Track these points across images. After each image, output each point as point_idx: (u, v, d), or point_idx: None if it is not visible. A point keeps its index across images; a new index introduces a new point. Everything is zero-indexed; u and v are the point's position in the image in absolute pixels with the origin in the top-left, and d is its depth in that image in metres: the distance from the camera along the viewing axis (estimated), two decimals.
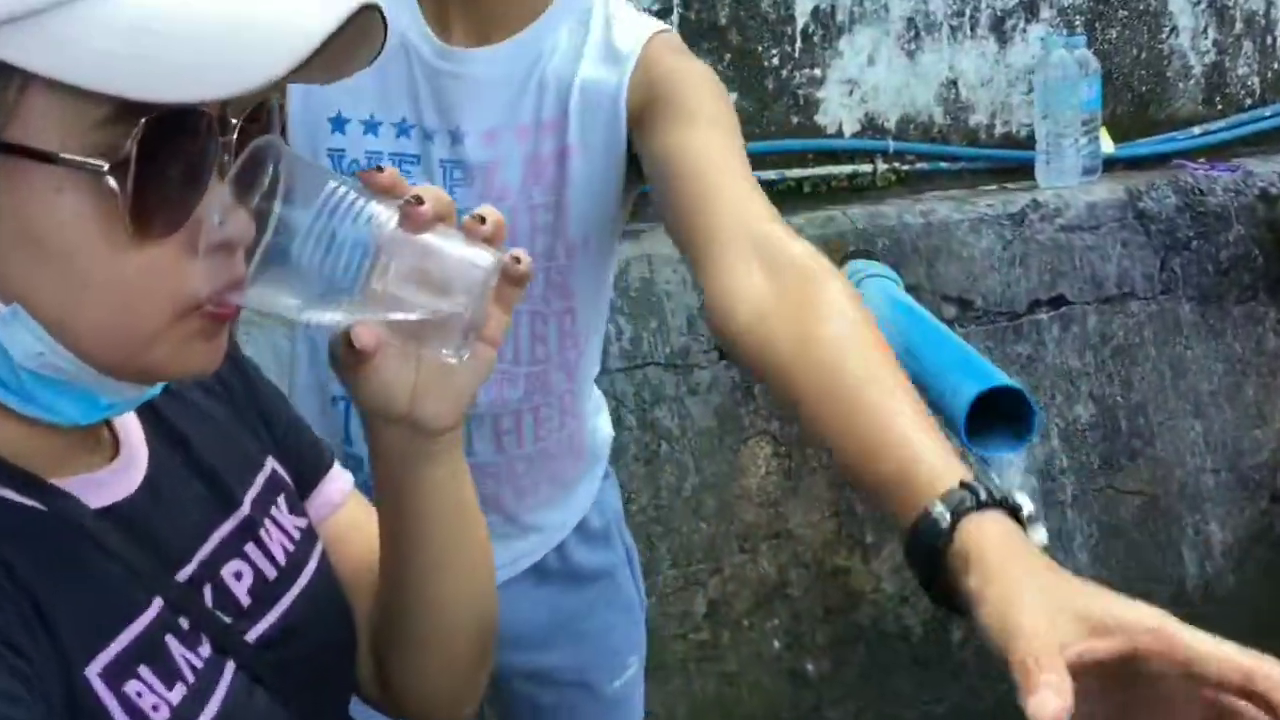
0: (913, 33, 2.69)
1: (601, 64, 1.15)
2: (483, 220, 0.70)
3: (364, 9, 0.59)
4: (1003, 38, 2.76)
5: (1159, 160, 2.86)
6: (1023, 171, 2.75)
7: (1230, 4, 2.92)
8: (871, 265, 2.31)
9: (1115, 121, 2.84)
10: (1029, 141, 2.75)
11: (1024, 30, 2.77)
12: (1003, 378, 1.71)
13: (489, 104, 1.14)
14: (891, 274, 2.31)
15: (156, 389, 0.68)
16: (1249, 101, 2.99)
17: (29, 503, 0.61)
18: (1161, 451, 2.58)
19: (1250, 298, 2.65)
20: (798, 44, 2.60)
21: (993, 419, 1.76)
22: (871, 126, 2.70)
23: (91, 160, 0.56)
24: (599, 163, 1.15)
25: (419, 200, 0.66)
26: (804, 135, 2.63)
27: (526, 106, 1.15)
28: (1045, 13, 2.78)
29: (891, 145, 2.70)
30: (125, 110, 0.56)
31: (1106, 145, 2.76)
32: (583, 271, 1.20)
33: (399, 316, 0.66)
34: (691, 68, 1.15)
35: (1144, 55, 2.89)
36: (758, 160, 2.57)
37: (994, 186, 2.72)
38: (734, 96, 2.54)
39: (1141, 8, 2.86)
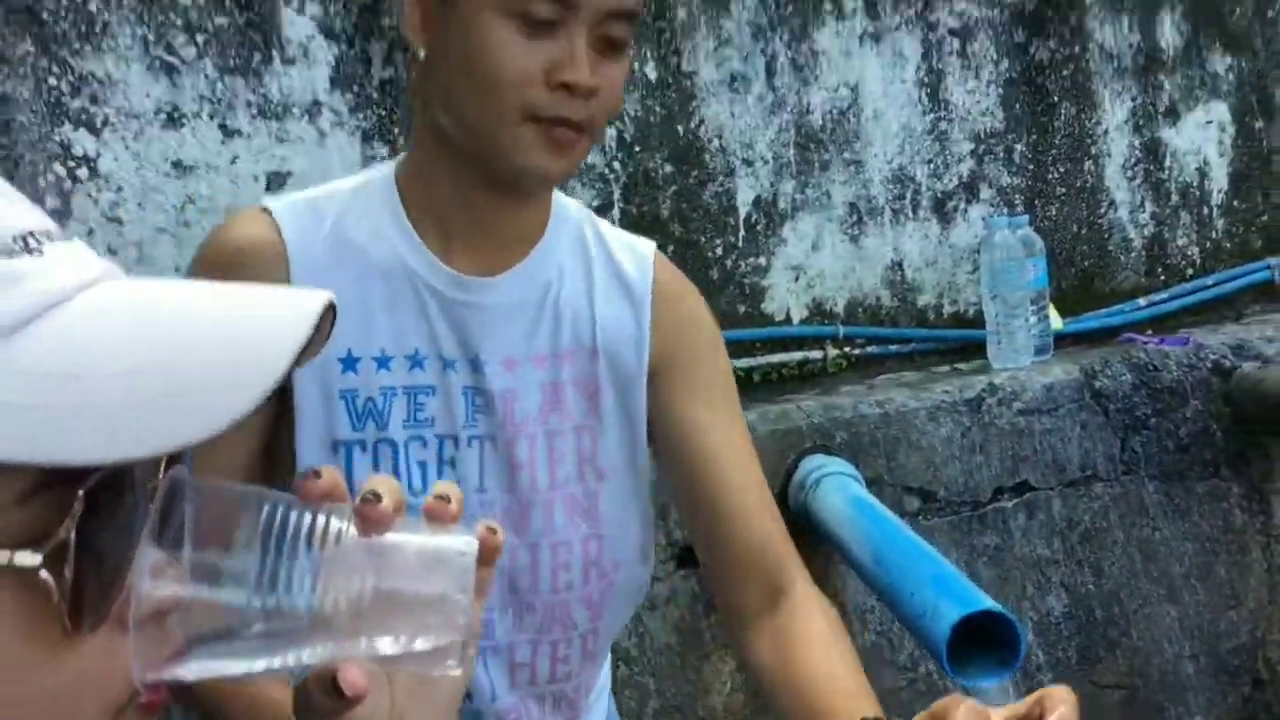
0: (855, 217, 2.67)
1: (617, 298, 1.17)
2: (447, 499, 0.60)
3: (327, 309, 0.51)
4: (945, 218, 2.76)
5: (1107, 333, 2.85)
6: (974, 349, 2.72)
7: (1165, 177, 2.96)
8: (830, 461, 2.22)
9: (1062, 297, 2.83)
10: (978, 319, 2.72)
11: (965, 211, 2.77)
12: (985, 600, 1.61)
13: (507, 332, 1.13)
14: (851, 470, 2.23)
15: None
16: (1190, 271, 3.01)
17: None
18: (1139, 640, 2.48)
19: (1212, 474, 2.60)
20: (741, 233, 2.56)
21: (973, 638, 1.65)
22: (819, 312, 2.66)
23: (19, 557, 0.45)
24: (626, 396, 1.17)
25: (376, 496, 0.56)
26: (752, 324, 2.58)
27: (543, 335, 1.15)
28: (985, 193, 2.79)
29: (841, 330, 2.65)
30: (46, 478, 0.45)
31: (1056, 321, 2.74)
32: (610, 498, 1.17)
33: (387, 647, 0.56)
34: (703, 316, 1.22)
35: (1085, 230, 2.90)
36: None
37: (946, 368, 2.67)
38: None
39: (1079, 184, 2.88)
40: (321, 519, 0.55)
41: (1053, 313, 2.73)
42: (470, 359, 1.12)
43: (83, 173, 2.01)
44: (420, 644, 0.56)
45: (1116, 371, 2.56)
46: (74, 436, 0.45)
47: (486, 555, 0.60)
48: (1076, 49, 2.84)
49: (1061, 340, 2.75)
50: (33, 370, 0.45)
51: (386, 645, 0.56)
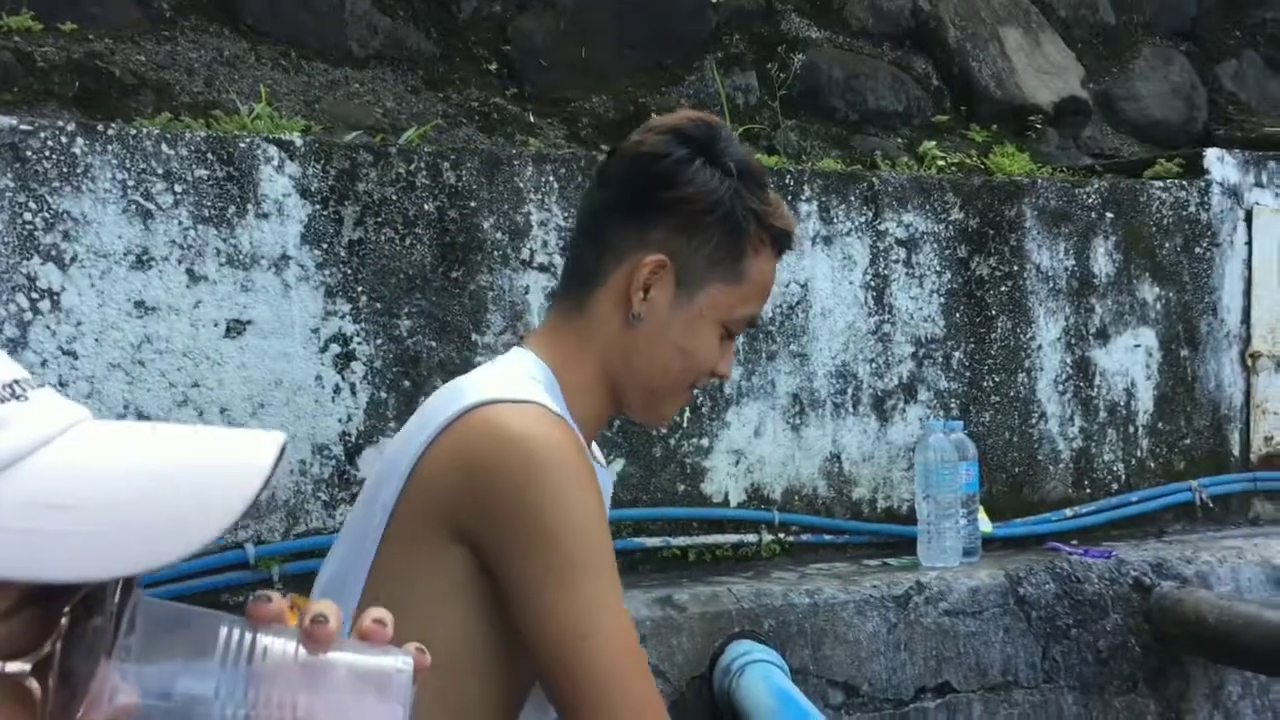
0: (798, 408, 2.75)
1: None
2: (381, 622, 0.65)
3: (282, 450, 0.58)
4: (884, 416, 2.85)
5: (1034, 540, 2.92)
6: (905, 545, 2.77)
7: (1094, 394, 3.08)
8: (757, 649, 2.23)
9: (991, 501, 2.91)
10: (910, 515, 2.78)
11: (904, 410, 2.87)
12: None
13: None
14: (777, 659, 2.24)
15: None
16: (1115, 486, 3.11)
17: None
18: None
19: (1130, 689, 2.63)
20: (686, 413, 2.63)
21: None
22: (757, 497, 2.71)
23: (11, 666, 0.51)
24: None
25: (323, 618, 0.61)
26: (690, 503, 2.62)
27: None
28: (923, 395, 2.89)
29: (777, 516, 2.70)
30: (31, 594, 0.51)
31: (985, 525, 2.81)
32: None
33: None
34: None
35: (1016, 439, 3.00)
36: (643, 526, 2.56)
37: (877, 562, 2.72)
38: (621, 463, 2.53)
39: (1012, 394, 2.99)
40: (265, 639, 0.60)
41: (982, 516, 2.80)
42: None
43: (44, 305, 2.05)
44: None
45: (1040, 580, 2.62)
46: (66, 558, 0.51)
47: (418, 674, 0.65)
48: (1015, 267, 3.00)
49: (989, 544, 2.81)
50: (27, 501, 0.51)
51: None
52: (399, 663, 0.63)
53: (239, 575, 2.16)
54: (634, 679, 1.11)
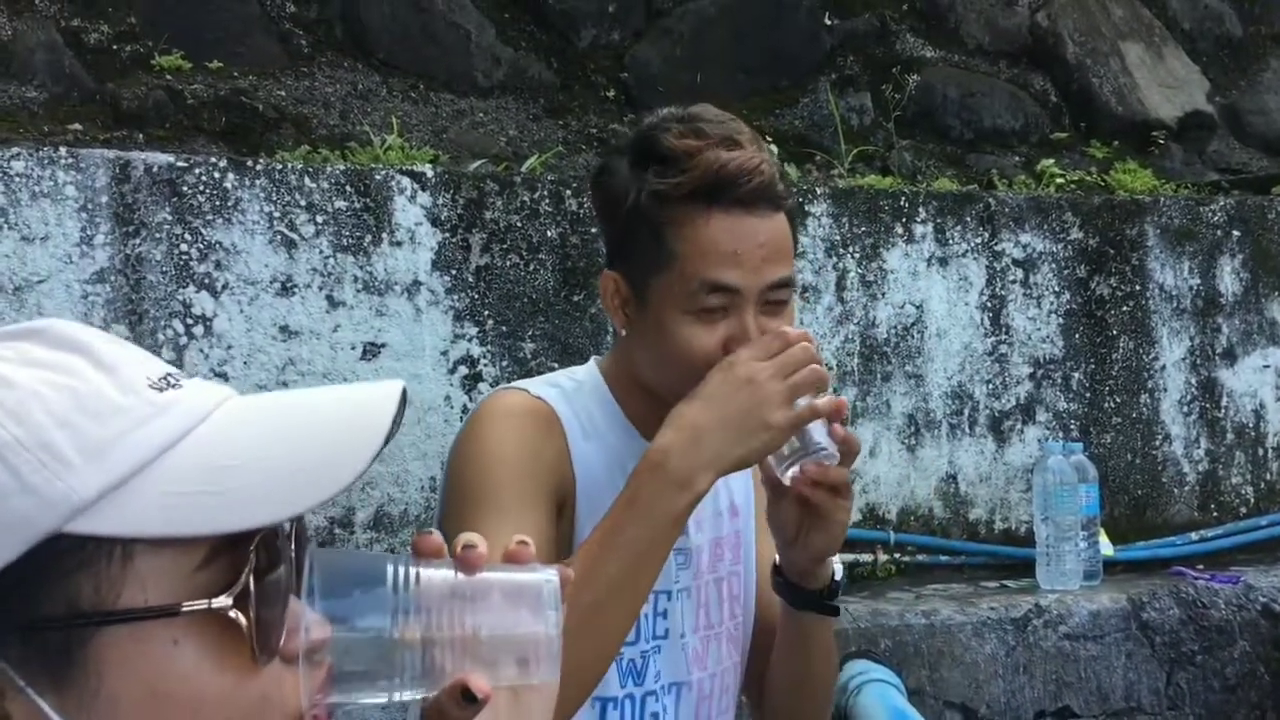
0: (913, 428, 2.76)
1: None
2: (525, 543, 0.74)
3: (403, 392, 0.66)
4: (1001, 437, 2.84)
5: (1157, 564, 2.87)
6: (1023, 568, 2.75)
7: (1221, 415, 3.02)
8: (874, 669, 2.25)
9: (1113, 523, 2.87)
10: (1028, 537, 2.77)
11: (1021, 431, 2.85)
12: None
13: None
14: (894, 679, 2.25)
15: None
16: (1243, 510, 3.04)
17: None
18: None
19: (1259, 717, 2.58)
20: None
21: None
22: (873, 517, 2.72)
23: (216, 601, 0.59)
24: (749, 542, 1.39)
25: (471, 545, 0.71)
26: None
27: (714, 494, 1.32)
28: (1041, 416, 2.87)
29: (893, 536, 2.72)
30: (219, 545, 0.59)
31: (1106, 548, 2.78)
32: (747, 635, 1.38)
33: (495, 667, 0.70)
34: None
35: (1138, 461, 2.96)
36: None
37: (995, 584, 2.71)
38: None
39: (1134, 415, 2.95)
40: (428, 570, 0.70)
41: (1104, 538, 2.77)
42: None
43: (198, 330, 2.19)
44: (518, 662, 0.71)
45: (1165, 605, 2.58)
46: (237, 510, 0.59)
47: (565, 588, 0.73)
48: (1137, 287, 2.96)
49: (1111, 567, 2.78)
50: (199, 466, 0.60)
51: (494, 666, 0.70)
52: (546, 575, 0.73)
53: None
54: None
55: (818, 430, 1.15)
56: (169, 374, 0.64)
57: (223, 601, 0.59)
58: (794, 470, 1.17)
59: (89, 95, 2.73)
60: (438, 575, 0.70)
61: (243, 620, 0.59)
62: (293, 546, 0.65)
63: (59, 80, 2.70)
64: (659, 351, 1.23)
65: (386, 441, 0.64)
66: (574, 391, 1.30)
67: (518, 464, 1.21)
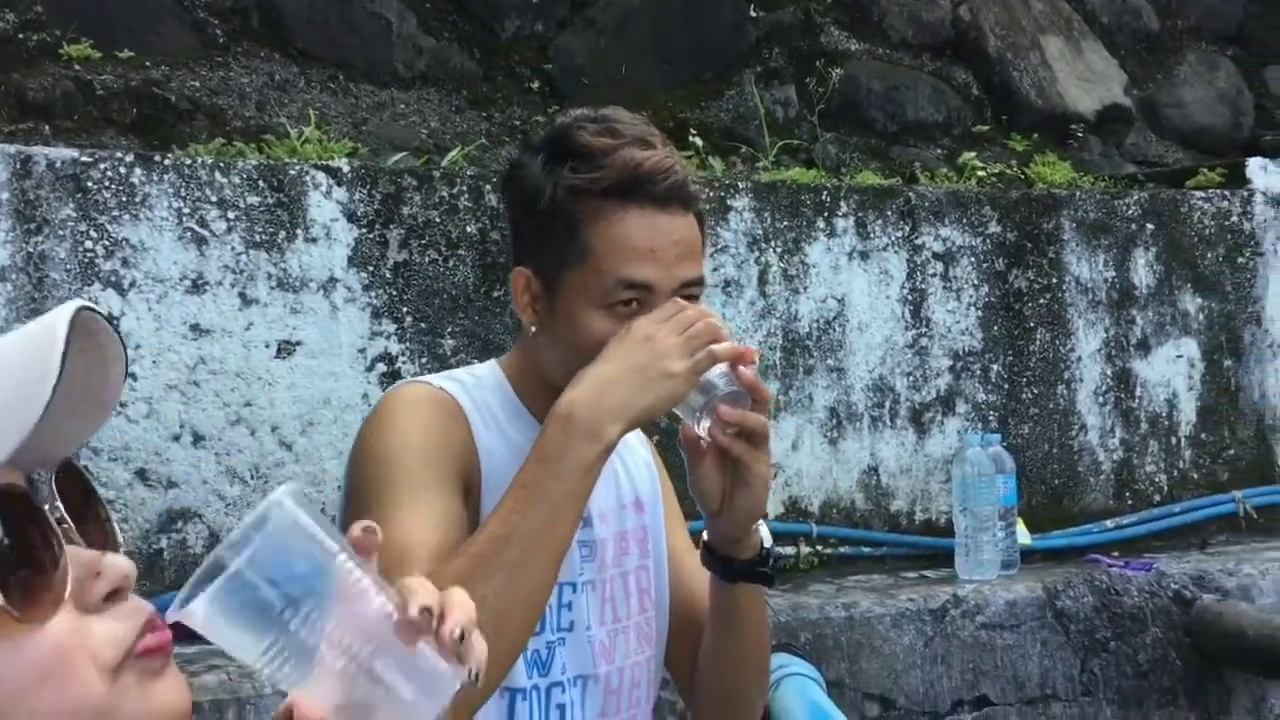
0: (835, 421, 2.78)
1: (635, 447, 1.41)
2: (371, 530, 0.72)
3: (80, 312, 0.62)
4: (921, 429, 2.87)
5: (1074, 551, 2.92)
6: (943, 557, 2.79)
7: (1135, 406, 3.08)
8: (794, 662, 2.26)
9: (1031, 513, 2.92)
10: (948, 528, 2.80)
11: (941, 423, 2.89)
12: None
13: (605, 487, 1.31)
14: (814, 673, 2.27)
15: None
16: (1157, 498, 3.10)
17: None
18: None
19: (1170, 702, 2.64)
20: None
21: None
22: (795, 510, 2.74)
23: None
24: (658, 535, 1.39)
25: (370, 530, 0.71)
26: None
27: (617, 489, 1.35)
28: (961, 407, 2.91)
29: (815, 529, 2.73)
30: None
31: (1024, 537, 2.82)
32: (660, 630, 1.38)
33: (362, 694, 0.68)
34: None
35: (1055, 450, 3.00)
36: None
37: (915, 574, 2.74)
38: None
39: (1051, 406, 3.00)
40: (366, 579, 0.68)
41: (1021, 528, 2.82)
42: (583, 515, 1.27)
43: None
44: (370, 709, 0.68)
45: (1079, 593, 2.63)
46: None
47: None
48: (1054, 280, 3.00)
49: (1030, 556, 2.82)
50: None
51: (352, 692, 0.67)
52: (457, 675, 0.70)
53: None
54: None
55: (721, 378, 1.18)
56: None
57: None
58: (708, 422, 1.18)
59: None
60: (370, 596, 0.69)
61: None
62: (54, 495, 0.63)
63: None
64: (569, 345, 1.23)
65: (63, 367, 0.60)
66: (474, 386, 1.30)
67: (425, 449, 1.21)
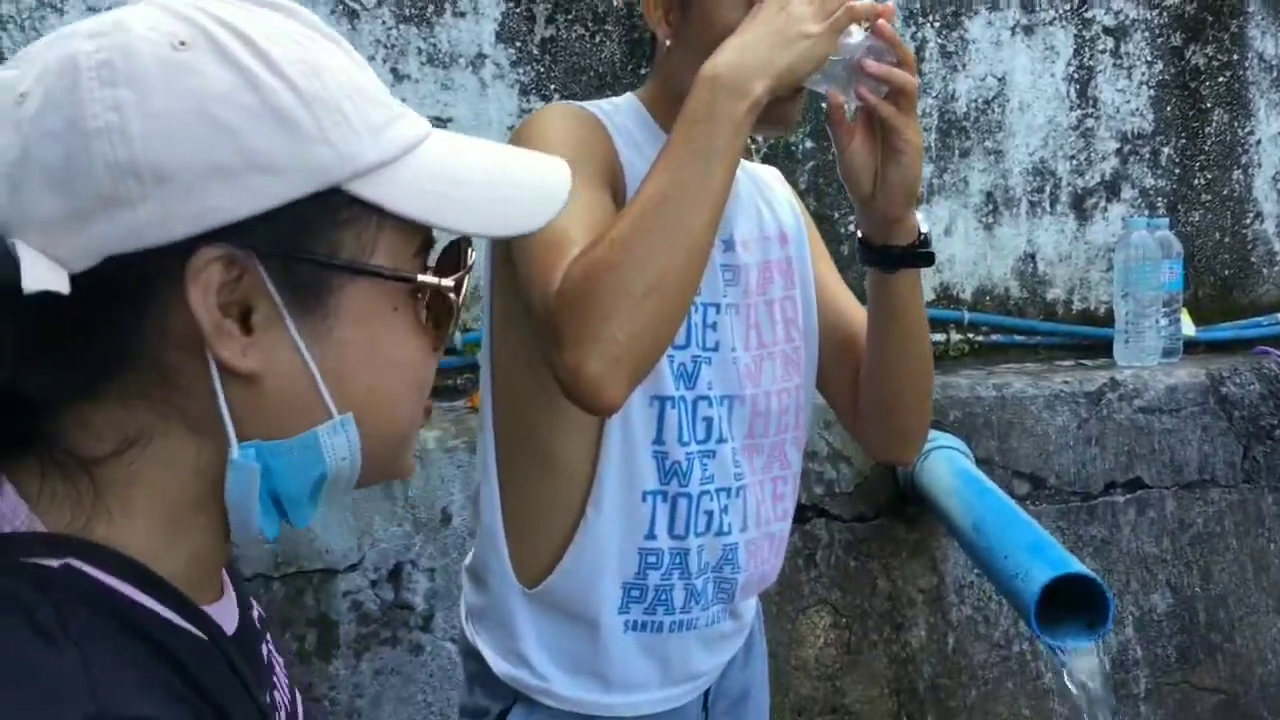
0: (991, 206, 2.70)
1: (776, 189, 1.43)
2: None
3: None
4: (1083, 215, 2.76)
5: (1242, 345, 2.81)
6: (1100, 348, 2.72)
7: None
8: (941, 436, 2.26)
9: (1197, 304, 2.81)
10: (1108, 319, 2.72)
11: (1105, 209, 2.77)
12: (1076, 564, 1.65)
13: (746, 218, 1.35)
14: (962, 446, 2.27)
15: None
16: None
17: (190, 628, 0.65)
18: (1241, 648, 2.46)
19: None
20: None
21: (1065, 605, 1.69)
22: (946, 296, 2.69)
23: (445, 281, 0.67)
24: (805, 269, 1.40)
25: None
26: None
27: (759, 221, 1.37)
28: (1127, 193, 2.78)
29: (966, 316, 2.69)
30: (428, 240, 0.67)
31: (1188, 328, 2.72)
32: (809, 359, 1.39)
33: None
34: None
35: (1227, 239, 2.86)
36: None
37: (1070, 363, 2.68)
38: None
39: (1225, 193, 2.84)
40: None
41: (1186, 318, 2.72)
42: (725, 240, 1.30)
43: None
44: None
45: (1245, 380, 2.54)
46: (471, 216, 0.67)
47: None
48: (1235, 57, 2.81)
49: (1194, 348, 2.73)
50: (437, 174, 0.66)
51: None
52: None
53: (448, 360, 2.32)
54: (550, 265, 1.13)
55: (862, 36, 1.16)
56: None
57: (448, 283, 0.68)
58: (854, 84, 1.17)
59: None
60: None
61: (455, 303, 0.68)
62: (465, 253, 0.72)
63: None
64: (707, 46, 1.19)
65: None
66: (613, 111, 1.31)
67: (577, 147, 1.20)
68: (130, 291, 0.60)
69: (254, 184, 0.60)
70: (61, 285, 0.57)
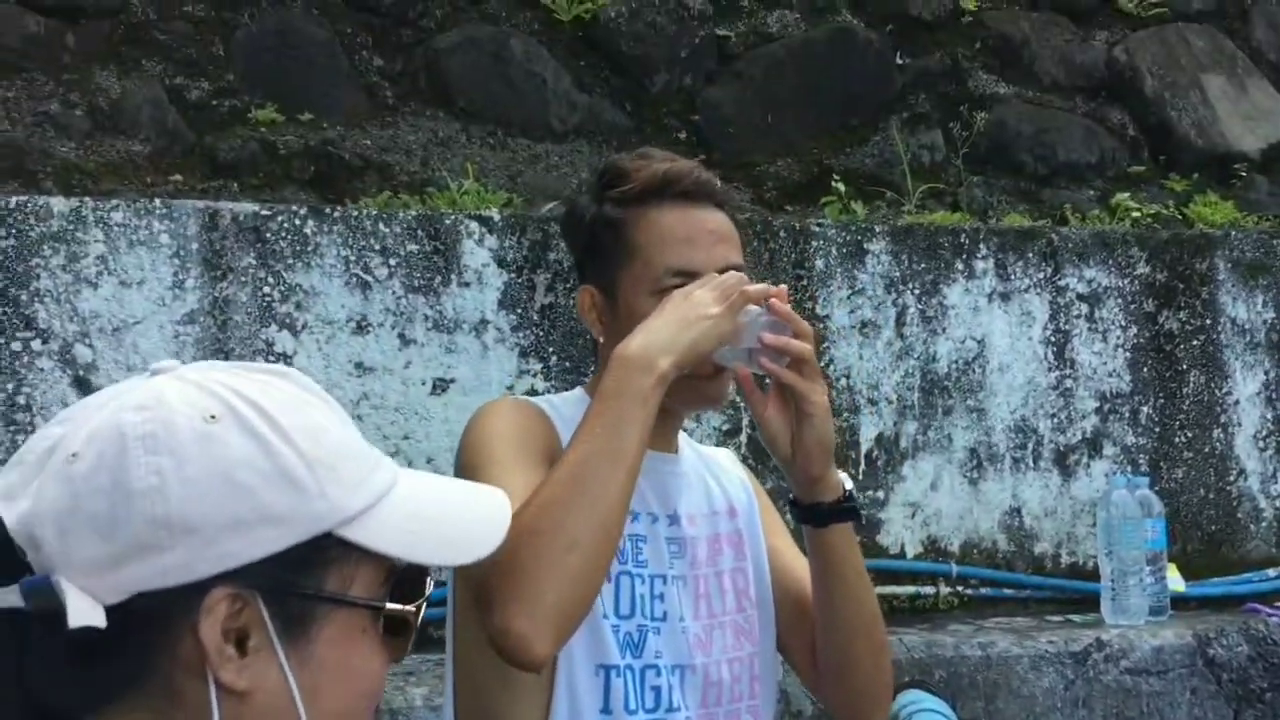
0: (975, 461, 2.78)
1: (728, 468, 1.53)
2: None
3: None
4: (1066, 471, 2.84)
5: (1233, 601, 2.83)
6: (1090, 602, 2.74)
7: None
8: (926, 699, 2.28)
9: (1186, 559, 2.84)
10: (1096, 573, 2.76)
11: (1088, 465, 2.85)
12: None
13: (694, 494, 1.45)
14: (945, 709, 2.28)
15: None
16: None
17: None
18: None
19: None
20: (862, 466, 2.71)
21: None
22: (934, 549, 2.75)
23: (408, 607, 0.77)
24: (756, 542, 1.48)
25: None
26: (866, 555, 2.66)
27: (708, 497, 1.47)
28: (1109, 450, 2.86)
29: (955, 569, 2.73)
30: (392, 570, 0.77)
31: (1176, 583, 2.75)
32: (764, 628, 1.45)
33: None
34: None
35: (1212, 496, 2.92)
36: None
37: (1059, 618, 2.70)
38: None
39: (1206, 450, 2.92)
40: None
41: (1174, 574, 2.75)
42: (669, 515, 1.41)
43: (279, 368, 2.33)
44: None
45: (1232, 641, 2.55)
46: (439, 551, 0.79)
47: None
48: (1207, 321, 2.94)
49: (1184, 603, 2.75)
50: (411, 514, 0.77)
51: None
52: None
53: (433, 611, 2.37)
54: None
55: (759, 314, 1.31)
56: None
57: (409, 609, 0.78)
58: (756, 356, 1.31)
59: (189, 148, 2.93)
60: None
61: (412, 624, 0.78)
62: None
63: (162, 134, 2.90)
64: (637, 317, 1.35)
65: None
66: (561, 404, 1.44)
67: (520, 435, 1.34)
68: (150, 621, 0.71)
69: (264, 534, 0.71)
70: (99, 620, 0.68)
